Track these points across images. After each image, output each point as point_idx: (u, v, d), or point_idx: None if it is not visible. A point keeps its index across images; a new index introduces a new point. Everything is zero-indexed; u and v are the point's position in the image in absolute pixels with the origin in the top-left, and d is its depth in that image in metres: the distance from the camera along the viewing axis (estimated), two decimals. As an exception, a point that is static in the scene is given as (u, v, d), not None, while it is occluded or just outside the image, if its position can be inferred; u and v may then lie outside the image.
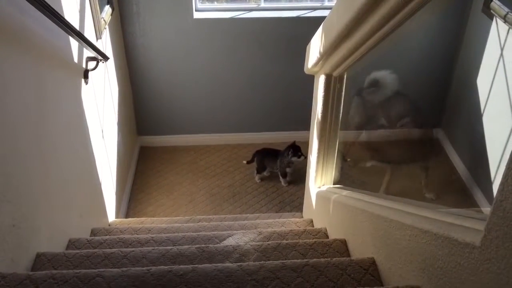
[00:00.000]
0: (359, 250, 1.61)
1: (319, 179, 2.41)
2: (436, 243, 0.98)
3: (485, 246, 0.79)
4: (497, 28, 2.92)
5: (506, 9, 2.68)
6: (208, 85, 3.72)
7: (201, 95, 3.78)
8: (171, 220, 2.79)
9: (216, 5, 3.54)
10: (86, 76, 2.26)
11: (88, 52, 2.26)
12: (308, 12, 3.48)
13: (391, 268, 1.28)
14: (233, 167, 3.79)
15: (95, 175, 2.46)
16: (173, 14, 3.34)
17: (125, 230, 2.33)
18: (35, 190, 1.63)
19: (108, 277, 1.33)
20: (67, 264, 1.61)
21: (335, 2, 3.41)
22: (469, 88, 3.36)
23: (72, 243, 1.93)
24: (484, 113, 3.13)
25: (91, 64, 2.32)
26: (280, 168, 3.52)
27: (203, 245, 1.73)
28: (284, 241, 1.78)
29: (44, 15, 1.53)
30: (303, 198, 2.95)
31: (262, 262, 1.43)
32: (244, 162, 3.72)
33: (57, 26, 1.68)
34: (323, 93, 2.09)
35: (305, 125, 2.66)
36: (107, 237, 2.03)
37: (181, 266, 1.41)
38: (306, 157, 3.06)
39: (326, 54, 1.84)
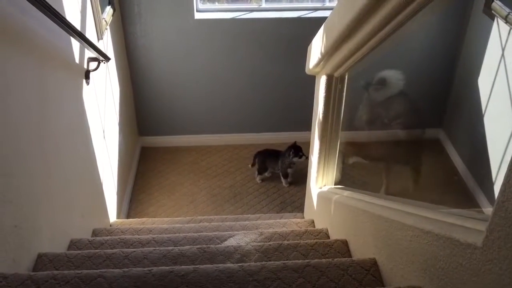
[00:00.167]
0: (361, 251, 1.61)
1: (320, 180, 2.40)
2: (438, 243, 0.98)
3: (487, 246, 0.79)
4: (498, 29, 2.92)
5: (507, 10, 2.68)
6: (209, 85, 3.72)
7: (202, 96, 3.78)
8: (172, 221, 2.79)
9: (217, 5, 3.54)
10: (87, 76, 2.27)
11: (89, 53, 2.26)
12: (309, 13, 3.48)
13: (392, 268, 1.28)
14: (234, 168, 3.80)
15: (96, 175, 2.46)
16: (174, 14, 3.34)
17: (126, 231, 2.33)
18: (37, 190, 1.63)
19: (109, 277, 1.33)
20: (69, 265, 1.61)
21: (336, 2, 3.42)
22: (470, 88, 3.36)
23: (73, 244, 1.93)
24: (485, 113, 3.13)
25: (93, 65, 2.32)
26: (281, 169, 3.52)
27: (204, 246, 1.73)
28: (286, 242, 1.78)
29: (46, 15, 1.54)
30: (304, 199, 2.95)
31: (263, 262, 1.43)
32: (250, 166, 3.72)
33: (58, 27, 1.68)
34: (324, 94, 2.09)
35: (306, 126, 2.66)
36: (109, 237, 2.03)
37: (183, 266, 1.41)
38: (307, 158, 3.06)
39: (327, 55, 1.84)
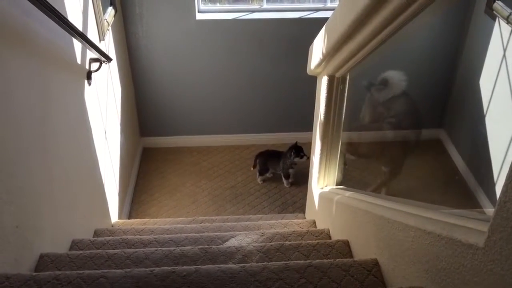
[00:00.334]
0: (362, 251, 1.61)
1: (322, 180, 2.41)
2: (440, 244, 0.98)
3: (488, 247, 0.79)
4: (499, 29, 2.92)
5: (509, 10, 2.68)
6: (210, 86, 3.73)
7: (203, 96, 3.79)
8: (174, 221, 2.79)
9: (218, 6, 3.55)
10: (89, 77, 2.27)
11: (91, 54, 2.26)
12: (311, 13, 3.48)
13: (394, 269, 1.28)
14: (236, 168, 3.80)
15: (98, 176, 2.46)
16: (176, 15, 3.35)
17: (128, 231, 2.33)
18: (39, 191, 1.64)
19: (111, 277, 1.34)
20: (71, 265, 1.62)
21: (337, 3, 3.42)
22: (471, 89, 3.36)
23: (75, 244, 1.94)
24: (487, 114, 3.13)
25: (94, 66, 2.33)
26: (283, 170, 3.52)
27: (206, 246, 1.73)
28: (287, 242, 1.78)
29: (48, 16, 1.54)
30: (305, 199, 2.95)
31: (265, 263, 1.44)
32: (251, 168, 3.72)
33: (60, 28, 1.68)
34: (325, 94, 2.09)
35: (307, 126, 2.66)
36: (110, 238, 2.03)
37: (184, 267, 1.41)
38: (308, 158, 3.06)
39: (328, 55, 1.84)
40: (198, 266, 1.40)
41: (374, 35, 1.39)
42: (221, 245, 1.87)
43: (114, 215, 2.82)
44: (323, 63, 1.98)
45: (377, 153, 3.25)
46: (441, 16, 3.39)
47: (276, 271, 1.37)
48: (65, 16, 1.70)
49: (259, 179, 3.62)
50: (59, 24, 1.64)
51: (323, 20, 1.83)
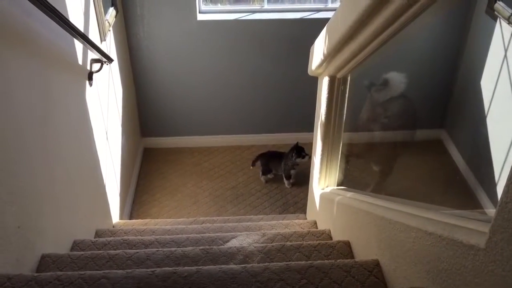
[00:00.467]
0: (363, 252, 1.61)
1: (323, 181, 2.41)
2: (441, 245, 0.98)
3: (490, 248, 0.79)
4: (501, 29, 2.91)
5: (510, 10, 2.68)
6: (211, 86, 3.73)
7: (204, 97, 3.79)
8: (175, 222, 2.79)
9: (219, 7, 3.55)
10: (90, 78, 2.27)
11: (92, 54, 2.27)
12: (312, 14, 3.48)
13: (395, 270, 1.28)
14: (237, 169, 3.80)
15: (99, 176, 2.47)
16: (177, 16, 3.35)
17: (129, 232, 2.33)
18: (40, 191, 1.64)
19: (113, 278, 1.34)
20: (72, 266, 1.62)
21: (338, 4, 3.42)
22: (473, 89, 3.36)
23: (76, 245, 1.94)
24: (488, 114, 3.13)
25: (96, 66, 2.33)
26: (284, 170, 3.52)
27: (207, 247, 1.73)
28: (288, 243, 1.78)
29: (49, 17, 1.54)
30: (306, 200, 2.95)
31: (266, 263, 1.44)
32: (251, 167, 3.71)
33: (62, 29, 1.68)
34: (327, 95, 2.09)
35: (308, 127, 2.66)
36: (111, 238, 2.03)
37: (186, 267, 1.41)
38: (310, 157, 3.06)
39: (330, 56, 1.85)
40: (199, 267, 1.40)
41: (376, 35, 1.39)
42: (222, 246, 1.87)
43: (115, 216, 2.83)
44: (324, 64, 1.98)
45: (368, 152, 3.26)
46: (442, 17, 3.39)
47: (278, 271, 1.37)
48: (67, 17, 1.70)
49: (262, 178, 3.62)
50: (60, 25, 1.64)
51: (324, 21, 1.83)
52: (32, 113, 1.59)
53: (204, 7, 3.48)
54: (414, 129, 3.32)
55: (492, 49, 3.07)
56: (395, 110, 3.14)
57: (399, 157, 3.26)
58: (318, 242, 1.78)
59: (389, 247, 1.32)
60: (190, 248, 1.72)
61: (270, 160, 3.58)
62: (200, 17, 3.40)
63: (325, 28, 1.81)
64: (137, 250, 1.72)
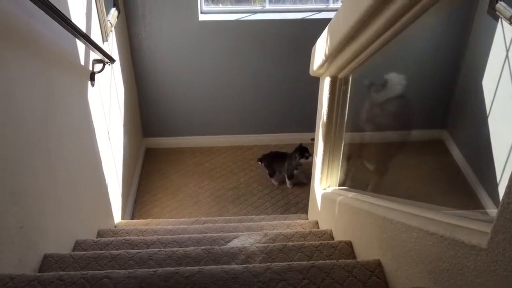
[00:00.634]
0: (365, 252, 1.61)
1: (325, 181, 2.41)
2: (443, 245, 0.98)
3: (491, 248, 0.79)
4: (502, 30, 2.91)
5: (512, 11, 2.68)
6: (213, 86, 3.73)
7: (206, 97, 3.79)
8: (176, 222, 2.79)
9: (221, 7, 3.55)
10: (92, 78, 2.28)
11: (94, 55, 2.27)
12: (313, 14, 3.48)
13: (397, 270, 1.28)
14: (238, 169, 3.80)
15: (101, 176, 2.47)
16: (179, 16, 3.35)
17: (131, 232, 2.34)
18: (43, 191, 1.64)
19: (115, 278, 1.34)
20: (74, 266, 1.62)
21: (340, 4, 3.42)
22: (474, 89, 3.35)
23: (78, 245, 1.94)
24: (490, 114, 3.12)
25: (98, 67, 2.34)
26: (287, 171, 3.52)
27: (209, 247, 1.74)
28: (290, 243, 1.78)
29: (52, 18, 1.55)
30: (308, 200, 2.95)
31: (268, 263, 1.44)
32: (259, 163, 3.69)
33: (64, 29, 1.69)
34: (328, 95, 2.09)
35: (310, 127, 2.66)
36: (114, 238, 2.04)
37: (188, 267, 1.41)
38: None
39: (331, 56, 1.85)
40: (201, 267, 1.41)
41: (377, 36, 1.39)
42: (224, 246, 1.87)
43: (117, 216, 2.83)
44: (325, 64, 1.98)
45: (365, 152, 3.26)
46: (444, 17, 3.39)
47: (279, 271, 1.38)
48: (69, 17, 1.71)
49: (273, 180, 3.61)
50: (62, 25, 1.65)
51: (326, 21, 1.83)
52: (34, 113, 1.59)
53: (205, 8, 3.49)
54: (409, 130, 3.32)
55: (493, 49, 3.07)
56: (391, 111, 3.14)
57: (394, 157, 3.26)
58: (320, 242, 1.78)
59: (391, 247, 1.32)
60: (192, 248, 1.73)
61: (273, 161, 3.57)
62: (202, 17, 3.41)
63: (326, 29, 1.81)
64: (139, 250, 1.72)
